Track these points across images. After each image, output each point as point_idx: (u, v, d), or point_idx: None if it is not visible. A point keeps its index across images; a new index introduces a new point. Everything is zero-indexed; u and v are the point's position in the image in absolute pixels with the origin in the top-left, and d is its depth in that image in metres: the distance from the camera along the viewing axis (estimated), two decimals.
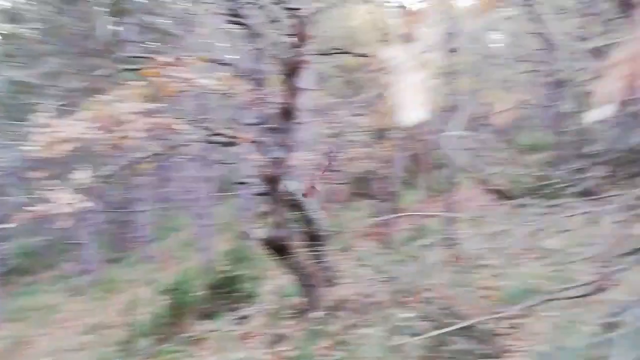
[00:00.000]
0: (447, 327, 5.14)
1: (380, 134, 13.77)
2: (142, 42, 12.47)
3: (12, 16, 13.83)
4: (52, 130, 3.64)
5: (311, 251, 7.02)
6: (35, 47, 12.27)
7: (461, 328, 5.42)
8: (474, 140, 13.81)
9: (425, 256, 9.05)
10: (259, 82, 6.05)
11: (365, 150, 11.76)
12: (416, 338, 4.72)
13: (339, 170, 12.67)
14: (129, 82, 4.02)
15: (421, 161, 15.05)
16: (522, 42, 12.28)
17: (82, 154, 4.95)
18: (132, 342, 8.57)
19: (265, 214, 7.24)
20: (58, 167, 5.26)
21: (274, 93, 5.94)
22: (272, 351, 6.20)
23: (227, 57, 6.01)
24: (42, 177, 3.79)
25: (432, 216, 12.31)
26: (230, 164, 7.62)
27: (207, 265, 12.03)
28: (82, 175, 3.93)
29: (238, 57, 6.49)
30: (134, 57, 5.97)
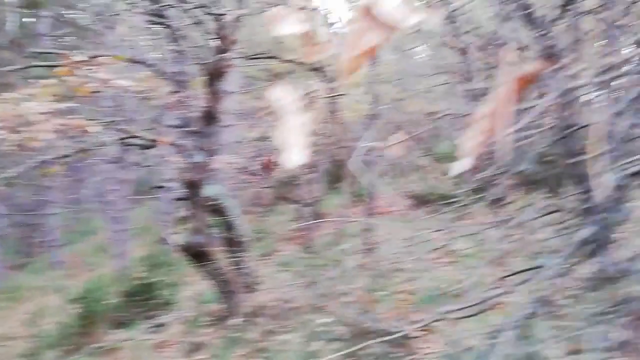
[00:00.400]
0: (364, 331, 5.33)
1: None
2: (57, 37, 11.70)
3: None
4: None
5: (231, 257, 6.97)
6: None
7: (376, 332, 5.65)
8: (392, 149, 14.42)
9: (345, 261, 9.30)
10: (181, 85, 5.93)
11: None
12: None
13: (263, 174, 12.68)
14: (39, 80, 3.78)
15: (344, 167, 15.43)
16: (442, 54, 13.04)
17: None
18: (37, 355, 7.98)
19: (184, 219, 7.07)
20: None
21: (197, 96, 5.86)
22: None
23: (148, 57, 5.82)
24: None
25: (353, 221, 12.66)
26: (149, 166, 7.38)
27: (121, 272, 11.49)
28: None
29: (160, 57, 6.31)
30: (46, 53, 5.61)
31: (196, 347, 6.33)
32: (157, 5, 4.71)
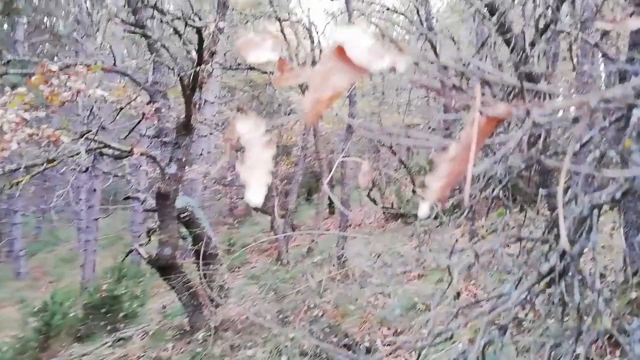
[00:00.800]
0: (331, 345, 5.32)
1: (281, 150, 13.98)
2: (34, 44, 11.45)
3: None
4: None
5: (200, 270, 6.88)
6: None
7: (344, 345, 5.64)
8: (370, 161, 14.56)
9: (315, 274, 9.30)
10: (157, 94, 5.86)
11: None
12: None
13: (237, 185, 12.60)
14: (13, 88, 3.68)
15: (319, 179, 15.47)
16: (421, 68, 13.31)
17: None
18: None
19: (153, 231, 6.95)
20: None
21: (173, 107, 5.80)
22: None
23: (126, 66, 5.75)
24: None
25: (325, 234, 12.68)
26: (120, 176, 7.24)
27: (86, 283, 11.17)
28: None
29: (137, 67, 6.23)
30: (22, 60, 5.46)
31: None
32: (137, 16, 4.66)
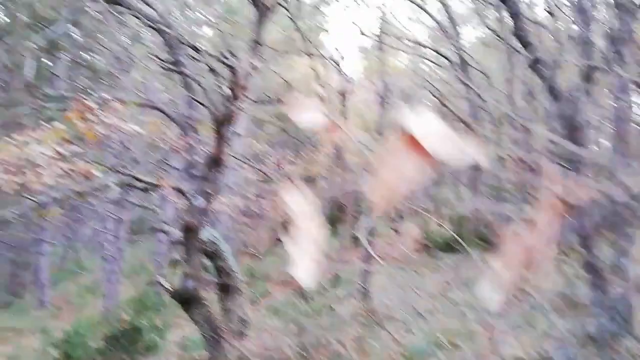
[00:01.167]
0: None
1: (308, 182, 13.94)
2: (72, 79, 11.88)
3: None
4: None
5: (222, 303, 6.77)
6: None
7: None
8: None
9: (338, 308, 9.07)
10: (188, 129, 5.91)
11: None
12: None
13: (263, 216, 12.55)
14: (50, 123, 3.73)
15: (344, 210, 15.33)
16: (452, 101, 13.24)
17: None
18: None
19: (177, 262, 6.90)
20: None
21: (203, 141, 5.82)
22: None
23: (159, 101, 5.83)
24: None
25: (348, 266, 12.46)
26: (147, 207, 7.28)
27: (108, 314, 11.15)
28: None
29: (170, 101, 6.33)
30: (60, 96, 5.62)
31: None
32: (173, 53, 4.74)
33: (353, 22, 21.68)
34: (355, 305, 9.10)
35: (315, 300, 10.54)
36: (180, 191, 5.75)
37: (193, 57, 4.65)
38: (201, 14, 10.73)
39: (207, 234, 6.56)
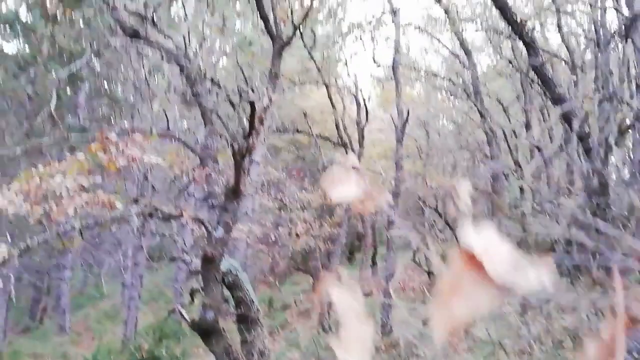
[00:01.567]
0: None
1: (324, 210, 13.92)
2: (93, 109, 12.24)
3: None
4: None
5: (241, 334, 6.71)
6: None
7: None
8: (417, 222, 14.26)
9: None
10: (207, 159, 5.99)
11: (308, 226, 11.80)
12: None
13: (281, 244, 12.53)
14: (72, 152, 3.83)
15: (363, 239, 15.22)
16: (467, 130, 13.19)
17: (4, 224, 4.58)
18: None
19: (196, 291, 6.89)
20: None
21: (222, 171, 5.89)
22: None
23: (179, 131, 5.96)
24: None
25: (368, 297, 12.27)
26: (166, 235, 7.34)
27: (127, 341, 11.14)
28: (2, 250, 3.61)
29: (189, 131, 6.45)
30: (82, 127, 5.79)
31: None
32: (193, 86, 4.86)
33: (368, 53, 21.96)
34: (376, 339, 8.94)
35: (334, 332, 10.38)
36: (199, 221, 5.79)
37: (212, 92, 4.76)
38: (219, 45, 11.03)
39: (226, 264, 6.57)
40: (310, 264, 12.51)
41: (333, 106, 9.80)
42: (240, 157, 5.20)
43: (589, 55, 12.04)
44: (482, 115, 10.09)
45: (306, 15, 5.29)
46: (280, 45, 5.18)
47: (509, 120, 11.96)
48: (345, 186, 0.63)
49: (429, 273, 13.75)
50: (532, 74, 8.12)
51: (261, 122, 5.03)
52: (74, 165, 3.81)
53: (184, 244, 7.66)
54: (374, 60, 10.15)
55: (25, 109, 12.13)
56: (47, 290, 16.07)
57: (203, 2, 7.70)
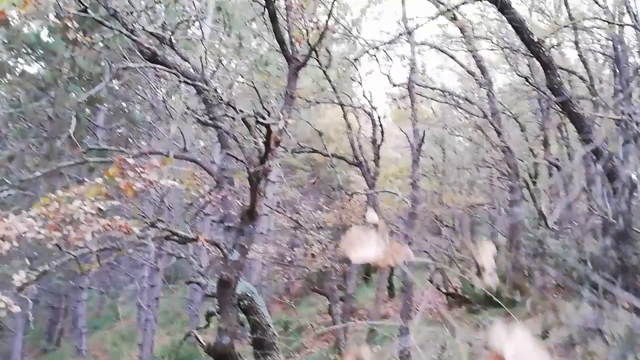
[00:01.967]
0: None
1: (340, 231, 13.81)
2: (112, 129, 12.42)
3: None
4: None
5: (256, 358, 6.61)
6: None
7: None
8: (434, 241, 14.05)
9: None
10: (224, 181, 5.98)
11: (323, 246, 11.68)
12: None
13: (296, 265, 12.42)
14: (91, 173, 3.85)
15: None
16: (484, 148, 13.00)
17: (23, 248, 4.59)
18: None
19: (212, 315, 6.82)
20: None
21: (238, 194, 5.87)
22: None
23: (195, 152, 5.97)
24: None
25: (385, 321, 12.05)
26: (183, 257, 7.32)
27: None
28: (21, 277, 3.61)
29: (205, 152, 6.46)
30: (100, 149, 5.84)
31: None
32: (209, 109, 4.87)
33: (383, 71, 22.03)
34: None
35: None
36: (215, 244, 5.76)
37: (228, 116, 4.76)
38: (235, 65, 11.13)
39: (242, 287, 6.51)
40: (326, 285, 12.36)
41: (348, 125, 9.77)
42: (256, 179, 5.17)
43: (607, 71, 11.88)
44: (498, 133, 9.96)
45: (322, 36, 5.29)
46: (296, 67, 5.18)
47: (526, 139, 11.79)
48: (365, 247, 0.60)
49: (447, 294, 13.47)
50: (549, 92, 8.02)
51: (277, 144, 5.00)
52: (92, 189, 3.81)
53: (200, 266, 7.63)
54: (389, 79, 10.14)
55: (45, 130, 12.35)
56: (64, 312, 16.12)
57: (220, 23, 7.80)
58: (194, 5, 6.27)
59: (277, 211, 11.83)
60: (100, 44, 10.50)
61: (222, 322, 5.94)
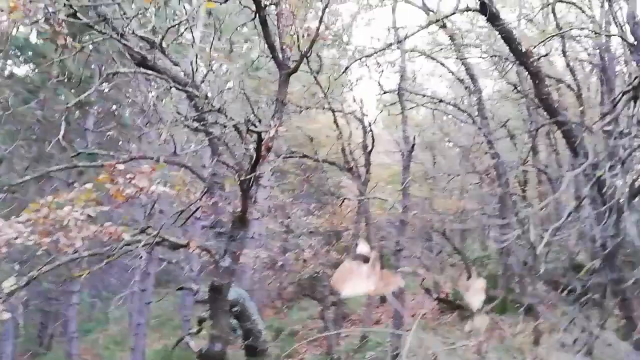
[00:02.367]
0: None
1: (332, 236, 13.83)
2: (101, 132, 12.35)
3: None
4: None
5: None
6: None
7: None
8: (424, 247, 14.10)
9: None
10: (215, 186, 5.99)
11: (315, 251, 11.69)
12: None
13: (288, 269, 12.42)
14: (80, 176, 3.85)
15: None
16: (474, 154, 13.08)
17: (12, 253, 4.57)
18: None
19: (204, 320, 6.83)
20: None
21: (229, 198, 5.88)
22: None
23: (185, 157, 5.97)
24: None
25: (376, 331, 12.07)
26: (174, 262, 7.31)
27: None
28: (11, 283, 3.60)
29: (195, 156, 6.46)
30: (90, 153, 5.82)
31: None
32: (199, 114, 4.89)
33: (373, 76, 22.12)
34: None
35: None
36: (207, 251, 5.76)
37: (219, 122, 4.78)
38: (225, 69, 11.14)
39: (234, 293, 6.52)
40: (318, 290, 12.36)
41: (339, 131, 9.81)
42: (247, 185, 5.19)
43: (594, 79, 12.05)
44: (488, 140, 10.06)
45: (313, 43, 5.33)
46: (286, 73, 5.21)
47: (515, 146, 11.90)
48: (356, 282, 0.64)
49: (439, 299, 13.52)
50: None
51: (268, 150, 5.03)
52: (82, 195, 3.82)
53: (191, 270, 7.62)
54: (380, 86, 10.22)
55: (35, 133, 12.26)
56: (55, 316, 15.95)
57: (210, 27, 7.81)
58: (185, 9, 6.28)
59: (269, 216, 11.83)
60: (90, 47, 10.47)
61: (214, 329, 5.94)
